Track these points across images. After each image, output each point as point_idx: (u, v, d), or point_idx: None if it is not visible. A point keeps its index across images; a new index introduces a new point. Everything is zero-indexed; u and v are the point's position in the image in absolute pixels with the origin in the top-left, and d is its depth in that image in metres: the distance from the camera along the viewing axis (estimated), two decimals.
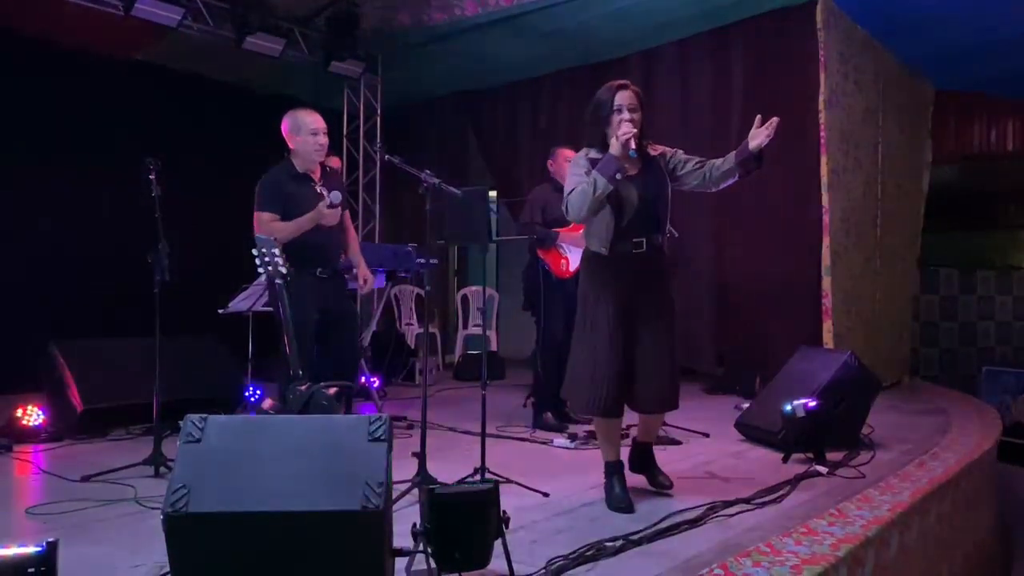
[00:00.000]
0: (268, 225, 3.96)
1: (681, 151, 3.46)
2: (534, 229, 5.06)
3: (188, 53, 7.20)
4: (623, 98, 3.26)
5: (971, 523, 4.29)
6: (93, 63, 6.95)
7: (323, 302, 4.04)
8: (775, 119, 3.24)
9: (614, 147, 3.17)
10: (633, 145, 3.16)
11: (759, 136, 3.23)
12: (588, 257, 3.38)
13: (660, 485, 3.54)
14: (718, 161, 3.36)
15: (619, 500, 3.28)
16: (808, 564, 2.52)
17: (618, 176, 3.14)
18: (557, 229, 5.07)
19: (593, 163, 3.22)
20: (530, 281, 5.23)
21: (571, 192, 3.20)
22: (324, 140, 4.13)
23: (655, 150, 3.41)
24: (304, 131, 4.07)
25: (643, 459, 3.61)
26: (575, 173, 3.25)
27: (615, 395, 3.27)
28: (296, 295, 3.81)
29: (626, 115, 3.22)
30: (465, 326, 8.37)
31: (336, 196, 4.02)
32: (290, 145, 4.13)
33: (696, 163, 3.41)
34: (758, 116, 3.29)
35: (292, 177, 4.09)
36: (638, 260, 3.28)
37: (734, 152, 3.32)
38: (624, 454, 3.54)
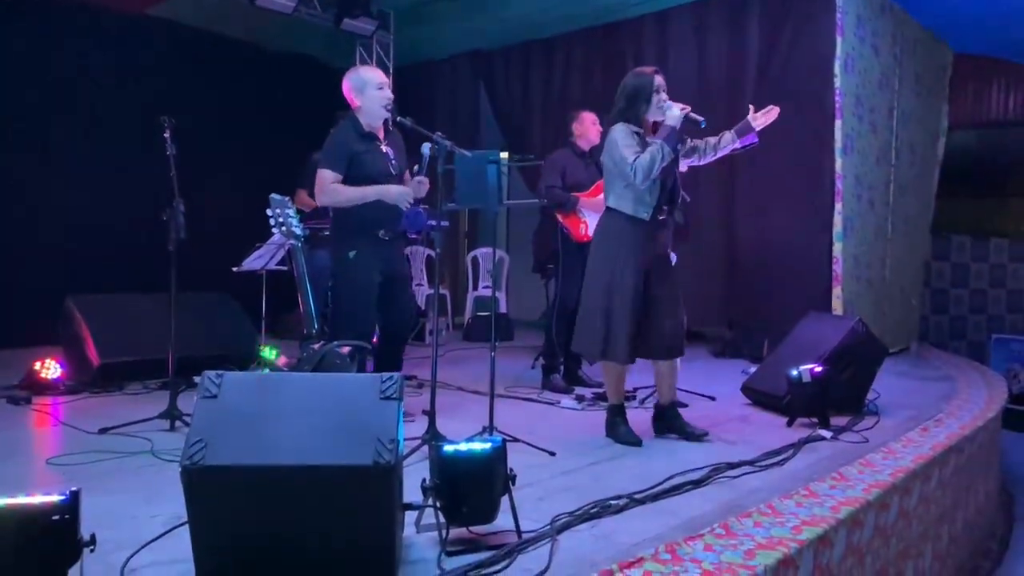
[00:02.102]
0: (330, 186, 3.91)
1: None
2: (554, 194, 5.08)
3: (201, 9, 7.18)
4: (660, 81, 3.70)
5: (972, 488, 4.35)
6: (105, 19, 6.93)
7: (385, 265, 4.05)
8: (774, 109, 3.75)
9: (672, 120, 3.61)
10: (700, 117, 3.62)
11: (758, 120, 3.75)
12: (619, 219, 3.71)
13: (695, 436, 3.79)
14: (712, 139, 3.87)
15: (627, 435, 3.75)
16: (808, 525, 2.58)
17: (679, 147, 3.66)
18: (577, 194, 5.10)
19: (638, 136, 3.65)
20: (544, 244, 5.26)
21: (638, 159, 3.55)
22: (390, 93, 4.05)
23: None
24: (370, 87, 4.00)
25: (667, 419, 3.88)
26: (629, 144, 3.61)
27: (634, 344, 3.69)
28: (361, 258, 3.94)
29: (665, 95, 3.69)
30: (475, 287, 8.41)
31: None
32: (355, 103, 4.03)
33: (691, 142, 3.90)
34: (751, 107, 3.83)
35: (359, 136, 4.02)
36: (661, 227, 3.75)
37: (732, 130, 3.82)
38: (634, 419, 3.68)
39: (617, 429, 3.80)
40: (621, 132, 3.66)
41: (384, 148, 4.08)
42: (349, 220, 3.99)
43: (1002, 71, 8.58)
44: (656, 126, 3.74)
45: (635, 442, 3.71)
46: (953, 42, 7.96)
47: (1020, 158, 10.94)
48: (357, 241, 3.96)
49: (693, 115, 3.63)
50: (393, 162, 4.09)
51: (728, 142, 3.83)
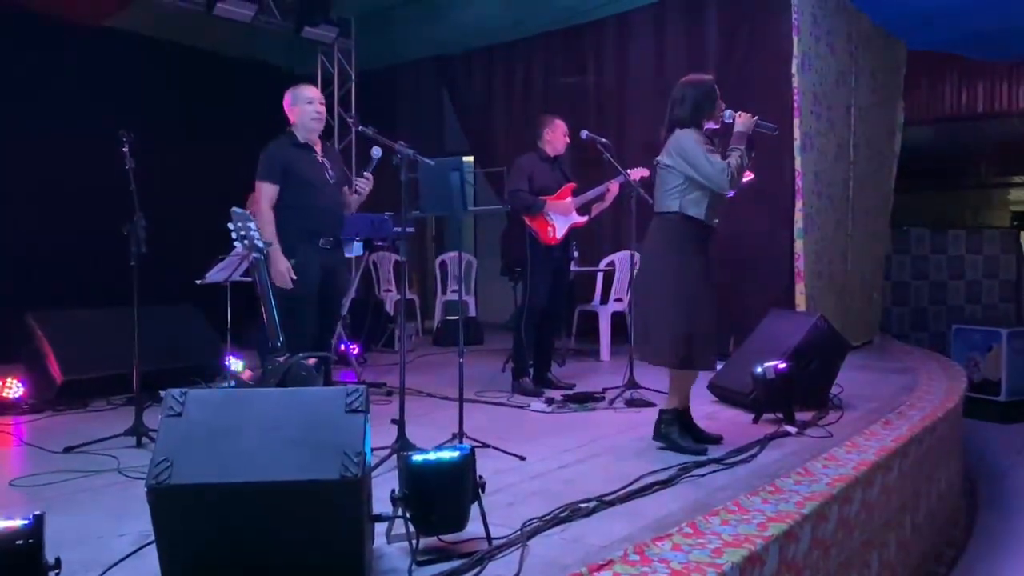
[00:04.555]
0: (265, 201, 4.09)
1: None
2: (521, 197, 5.11)
3: (158, 19, 7.10)
4: (718, 89, 3.73)
5: (935, 477, 4.44)
6: (63, 31, 6.83)
7: (324, 273, 4.17)
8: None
9: (743, 127, 3.66)
10: (772, 124, 3.71)
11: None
12: (689, 224, 3.66)
13: (711, 440, 3.78)
14: None
15: (693, 445, 3.62)
16: (774, 521, 2.62)
17: (753, 153, 3.69)
18: (544, 198, 5.13)
19: (709, 139, 3.65)
20: (511, 247, 5.29)
21: (730, 166, 3.56)
22: (321, 109, 4.27)
23: None
24: (301, 101, 4.21)
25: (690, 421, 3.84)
26: (710, 148, 3.60)
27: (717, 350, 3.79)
28: (301, 265, 4.03)
29: (723, 103, 3.71)
30: (444, 292, 8.41)
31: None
32: (291, 118, 4.25)
33: None
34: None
35: (294, 145, 4.21)
36: (715, 231, 3.77)
37: None
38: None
39: (676, 436, 3.66)
40: (698, 137, 3.63)
41: (320, 159, 4.27)
42: (289, 228, 4.10)
43: (955, 67, 8.77)
44: (709, 133, 3.75)
45: (702, 452, 3.56)
46: (907, 39, 8.11)
47: (974, 151, 11.21)
48: (296, 249, 4.08)
49: (764, 123, 3.69)
50: (329, 172, 4.26)
51: None
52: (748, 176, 3.99)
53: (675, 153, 3.64)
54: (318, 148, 4.29)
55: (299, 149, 4.21)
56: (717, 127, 3.77)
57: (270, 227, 4.02)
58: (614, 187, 5.16)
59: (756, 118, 3.70)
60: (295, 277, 4.00)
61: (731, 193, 3.72)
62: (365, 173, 4.30)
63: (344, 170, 4.48)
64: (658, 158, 3.77)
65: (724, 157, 3.61)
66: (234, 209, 3.17)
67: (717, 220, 3.73)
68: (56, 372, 4.77)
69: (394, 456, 3.24)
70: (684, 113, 3.70)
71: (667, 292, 3.63)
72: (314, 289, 4.11)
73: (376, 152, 4.12)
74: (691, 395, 3.86)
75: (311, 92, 4.27)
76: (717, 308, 3.78)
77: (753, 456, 3.53)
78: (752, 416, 4.24)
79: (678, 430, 3.68)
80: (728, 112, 3.72)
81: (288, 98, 4.25)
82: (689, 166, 3.59)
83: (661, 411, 3.77)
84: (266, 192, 4.10)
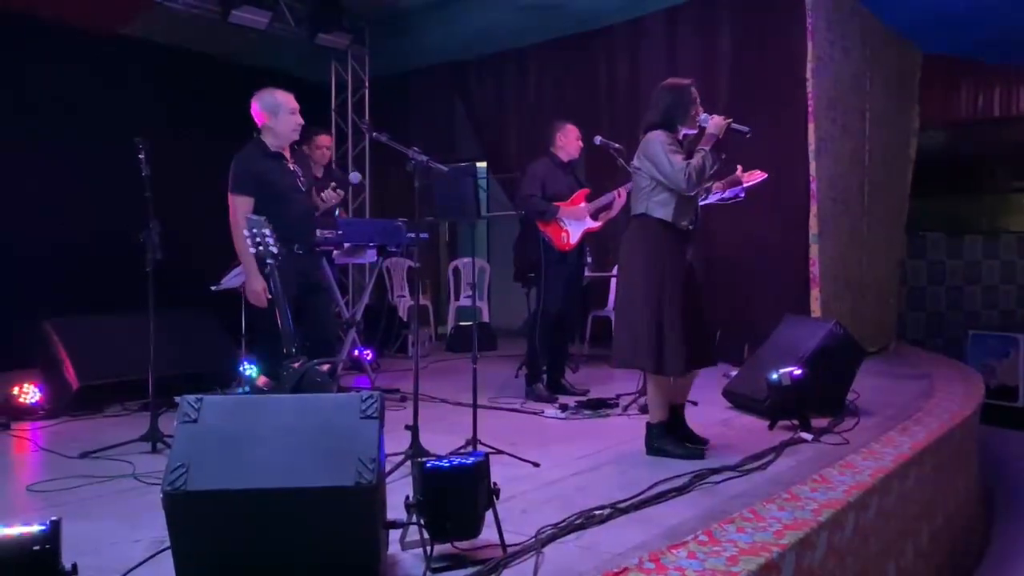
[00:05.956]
0: (239, 216, 3.91)
1: None
2: (534, 203, 5.11)
3: (173, 27, 7.15)
4: (696, 93, 3.72)
5: (952, 485, 4.40)
6: (78, 39, 6.88)
7: (300, 277, 4.07)
8: (762, 174, 4.09)
9: (714, 128, 3.60)
10: (744, 127, 3.63)
11: (745, 178, 4.05)
12: (657, 227, 3.64)
13: (699, 442, 3.77)
14: None
15: (686, 450, 3.66)
16: (790, 529, 2.61)
17: (723, 156, 3.62)
18: (557, 204, 5.13)
19: (680, 143, 3.65)
20: (524, 253, 5.28)
21: (691, 163, 3.54)
22: (301, 120, 4.19)
23: None
24: (283, 111, 4.10)
25: (675, 424, 3.82)
26: (675, 150, 3.59)
27: (688, 355, 3.61)
28: (274, 271, 3.92)
29: (701, 108, 3.69)
30: (457, 298, 8.42)
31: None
32: (263, 122, 4.13)
33: None
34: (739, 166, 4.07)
35: (265, 155, 4.11)
36: (691, 237, 3.72)
37: (721, 180, 4.11)
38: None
39: (670, 447, 3.66)
40: (664, 138, 3.61)
41: (292, 166, 4.19)
42: None
43: (971, 70, 8.70)
44: (686, 138, 3.73)
45: (699, 454, 3.62)
46: (921, 43, 8.06)
47: (990, 155, 11.10)
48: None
49: (737, 125, 3.63)
50: (301, 179, 4.20)
51: (716, 189, 4.07)
52: (760, 176, 3.98)
53: (642, 155, 3.66)
54: (288, 155, 4.20)
55: (270, 159, 4.09)
56: (694, 132, 3.73)
57: (239, 238, 3.87)
58: (622, 195, 5.15)
59: (729, 120, 3.65)
60: (270, 296, 3.80)
61: (715, 198, 3.85)
62: (339, 190, 4.32)
63: (311, 175, 4.42)
64: (631, 161, 3.79)
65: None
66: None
67: (686, 223, 3.67)
68: (72, 378, 4.80)
69: (408, 462, 3.24)
70: (656, 116, 3.70)
71: (635, 296, 3.63)
72: (290, 291, 3.82)
73: (355, 178, 4.11)
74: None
75: (293, 101, 4.14)
76: (702, 310, 3.74)
77: (769, 463, 3.50)
78: (767, 423, 4.21)
79: (671, 441, 3.68)
80: (704, 116, 3.68)
81: (264, 103, 4.11)
82: (652, 166, 3.60)
83: (649, 426, 3.74)
84: (240, 206, 3.96)
